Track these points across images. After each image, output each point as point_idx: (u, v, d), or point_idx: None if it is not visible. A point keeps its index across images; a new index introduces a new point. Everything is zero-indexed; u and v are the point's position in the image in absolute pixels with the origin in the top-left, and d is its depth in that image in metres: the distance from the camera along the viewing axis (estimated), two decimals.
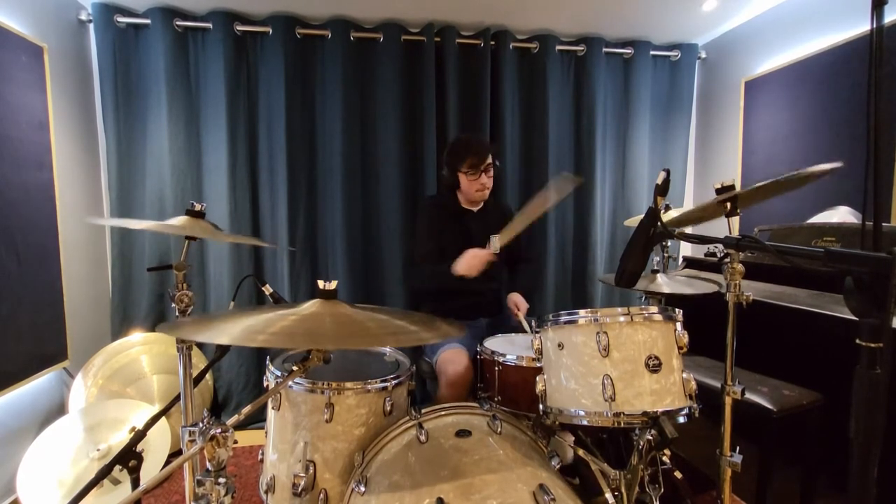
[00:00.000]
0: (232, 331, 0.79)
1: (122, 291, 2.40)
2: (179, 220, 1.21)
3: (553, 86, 2.66)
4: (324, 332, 0.83)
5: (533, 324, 1.24)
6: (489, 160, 1.85)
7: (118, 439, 1.82)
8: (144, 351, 2.22)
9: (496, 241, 1.68)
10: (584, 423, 1.07)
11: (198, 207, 1.24)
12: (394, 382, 1.28)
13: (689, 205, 2.95)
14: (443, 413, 1.21)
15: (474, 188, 1.87)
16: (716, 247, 2.12)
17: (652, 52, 2.76)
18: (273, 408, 1.28)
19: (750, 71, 2.51)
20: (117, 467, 1.12)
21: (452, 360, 1.60)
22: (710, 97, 2.84)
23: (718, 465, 1.25)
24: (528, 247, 2.15)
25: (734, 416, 1.25)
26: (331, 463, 1.19)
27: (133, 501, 0.96)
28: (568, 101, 2.72)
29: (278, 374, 1.29)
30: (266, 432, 1.33)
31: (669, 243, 1.85)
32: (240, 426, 0.80)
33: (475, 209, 1.97)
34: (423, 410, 1.20)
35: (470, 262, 1.67)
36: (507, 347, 1.52)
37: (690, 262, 2.32)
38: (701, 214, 1.36)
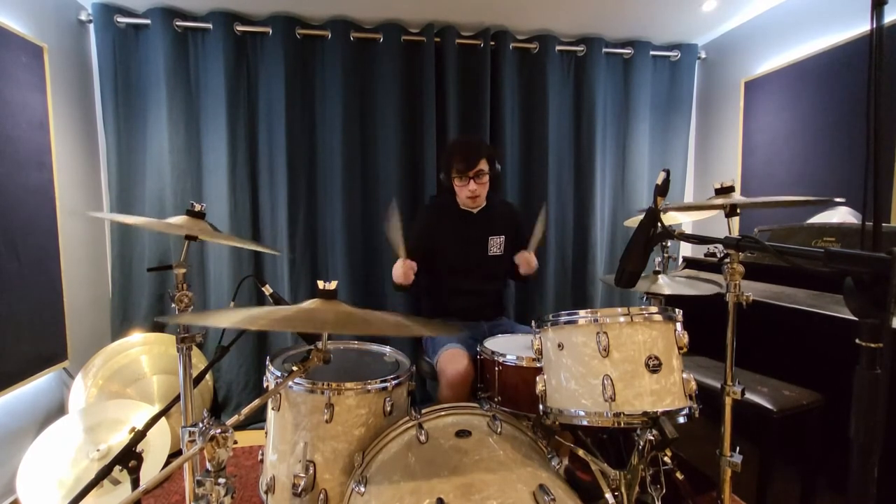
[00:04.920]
0: (233, 317, 0.79)
1: (122, 292, 2.40)
2: (179, 220, 1.21)
3: (553, 86, 2.66)
4: (324, 321, 0.84)
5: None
6: (480, 167, 1.79)
7: (118, 440, 1.82)
8: (144, 351, 2.22)
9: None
10: (584, 423, 1.08)
11: (198, 208, 1.23)
12: (394, 383, 1.28)
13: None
14: (443, 413, 1.21)
15: (464, 194, 1.85)
16: (716, 247, 2.12)
17: (652, 53, 2.76)
18: (273, 408, 1.28)
19: (750, 71, 2.51)
20: (117, 468, 1.12)
21: (452, 360, 1.60)
22: (710, 97, 2.84)
23: (718, 466, 1.25)
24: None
25: (734, 416, 1.25)
26: (331, 463, 1.19)
27: (133, 502, 0.96)
28: (568, 101, 2.72)
29: (278, 374, 1.29)
30: (266, 433, 1.33)
31: (669, 244, 1.84)
32: (240, 426, 0.80)
33: (475, 210, 1.96)
34: (423, 410, 1.20)
35: (396, 272, 1.76)
36: (507, 347, 1.52)
37: (690, 263, 2.32)
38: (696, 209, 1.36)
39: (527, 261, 1.87)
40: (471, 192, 1.83)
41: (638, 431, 1.04)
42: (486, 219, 1.96)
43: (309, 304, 0.93)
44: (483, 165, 1.81)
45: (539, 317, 1.22)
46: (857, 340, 0.61)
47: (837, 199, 1.09)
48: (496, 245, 1.96)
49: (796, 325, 1.57)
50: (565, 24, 2.59)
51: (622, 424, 1.03)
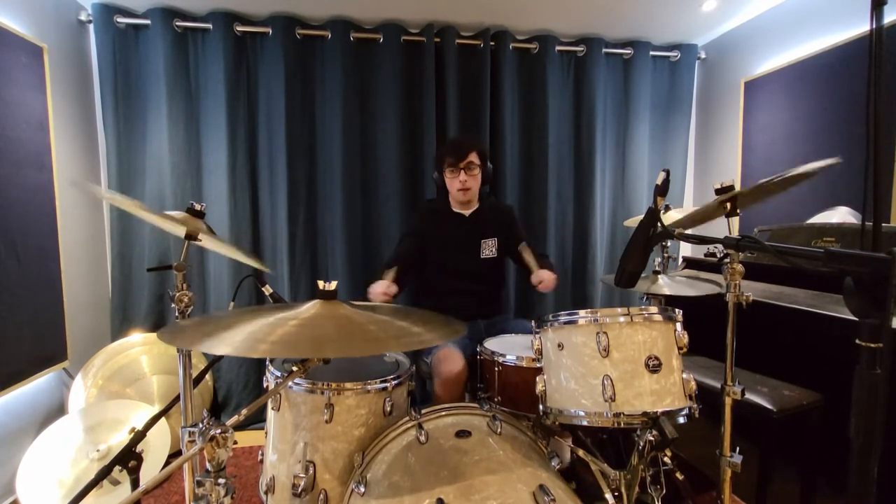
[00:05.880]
0: (233, 339, 0.78)
1: (122, 292, 2.40)
2: (179, 215, 1.21)
3: (553, 86, 2.66)
4: (325, 339, 0.83)
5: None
6: (470, 159, 1.83)
7: (118, 440, 1.82)
8: (144, 351, 2.22)
9: None
10: (584, 423, 1.08)
11: (198, 207, 1.23)
12: (394, 383, 1.28)
13: (689, 205, 2.95)
14: (443, 413, 1.21)
15: (455, 187, 1.87)
16: (715, 247, 2.12)
17: (652, 53, 2.76)
18: (273, 408, 1.28)
19: (750, 71, 2.51)
20: (117, 468, 1.12)
21: (446, 359, 1.60)
22: (710, 97, 2.84)
23: (718, 466, 1.25)
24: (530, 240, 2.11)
25: (734, 416, 1.25)
26: (330, 463, 1.19)
27: (133, 502, 0.96)
28: (568, 101, 2.72)
29: (278, 374, 1.29)
30: (266, 433, 1.33)
31: (669, 243, 1.84)
32: (239, 427, 0.80)
33: (467, 213, 1.96)
34: (423, 411, 1.20)
35: (373, 289, 1.70)
36: (507, 348, 1.52)
37: (690, 263, 2.32)
38: (702, 216, 1.36)
39: (544, 281, 1.75)
40: (461, 184, 1.84)
41: (638, 431, 1.04)
42: (478, 221, 1.96)
43: (309, 305, 0.93)
44: (473, 158, 1.84)
45: (539, 317, 1.22)
46: (857, 340, 0.61)
47: (832, 161, 1.07)
48: (489, 247, 1.96)
49: (796, 325, 1.57)
50: (565, 24, 2.59)
51: (622, 424, 1.03)
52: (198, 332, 0.85)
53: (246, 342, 0.77)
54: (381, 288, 1.67)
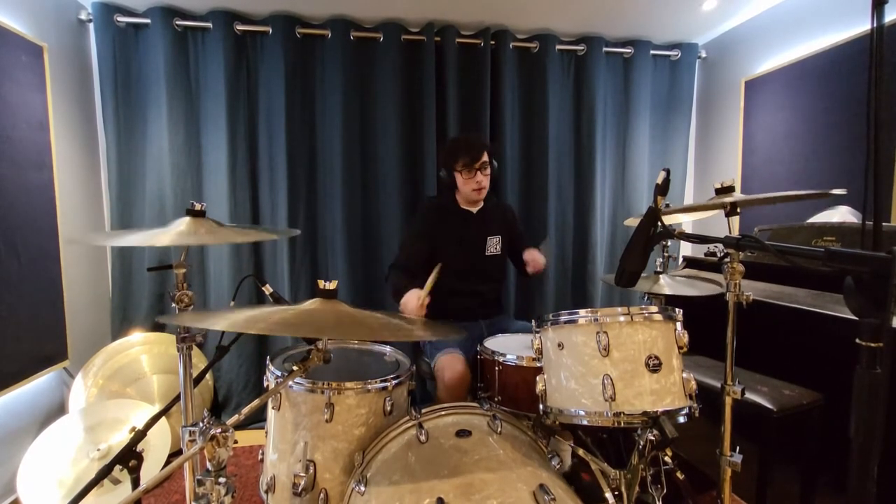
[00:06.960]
0: (233, 318, 0.79)
1: (122, 291, 2.40)
2: (180, 224, 1.20)
3: (553, 85, 2.66)
4: (323, 324, 0.83)
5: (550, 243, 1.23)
6: (484, 158, 1.84)
7: (118, 439, 1.82)
8: (144, 351, 2.22)
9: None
10: (585, 422, 1.08)
11: (198, 207, 1.23)
12: (394, 382, 1.28)
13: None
14: (443, 413, 1.21)
15: (470, 187, 1.87)
16: (716, 246, 2.12)
17: (652, 52, 2.76)
18: (273, 408, 1.28)
19: (750, 71, 2.51)
20: (117, 467, 1.12)
21: (449, 365, 1.60)
22: (710, 97, 2.84)
23: (719, 465, 1.25)
24: (529, 240, 2.15)
25: (734, 416, 1.25)
26: (331, 463, 1.19)
27: (133, 501, 0.96)
28: (568, 100, 2.72)
29: (278, 374, 1.29)
30: (266, 432, 1.33)
31: (669, 243, 1.84)
32: (240, 426, 0.80)
33: (474, 210, 1.97)
34: (423, 410, 1.20)
35: (406, 306, 1.64)
36: (507, 347, 1.52)
37: (690, 262, 2.32)
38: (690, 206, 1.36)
39: (534, 259, 1.91)
40: (477, 185, 1.86)
41: (638, 431, 1.04)
42: (485, 219, 1.97)
43: (309, 304, 0.93)
44: (486, 157, 1.86)
45: (539, 316, 1.22)
46: (857, 340, 0.61)
47: (836, 191, 1.09)
48: (494, 245, 1.97)
49: (796, 325, 1.57)
50: (565, 23, 2.59)
51: (622, 424, 1.03)
52: (198, 316, 0.86)
53: (245, 321, 0.78)
54: (416, 301, 1.57)
